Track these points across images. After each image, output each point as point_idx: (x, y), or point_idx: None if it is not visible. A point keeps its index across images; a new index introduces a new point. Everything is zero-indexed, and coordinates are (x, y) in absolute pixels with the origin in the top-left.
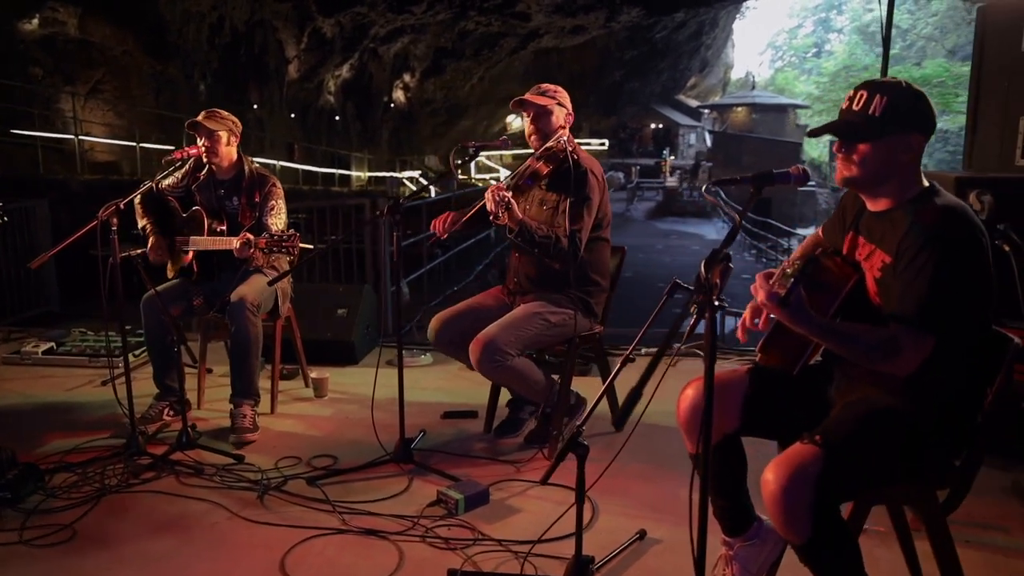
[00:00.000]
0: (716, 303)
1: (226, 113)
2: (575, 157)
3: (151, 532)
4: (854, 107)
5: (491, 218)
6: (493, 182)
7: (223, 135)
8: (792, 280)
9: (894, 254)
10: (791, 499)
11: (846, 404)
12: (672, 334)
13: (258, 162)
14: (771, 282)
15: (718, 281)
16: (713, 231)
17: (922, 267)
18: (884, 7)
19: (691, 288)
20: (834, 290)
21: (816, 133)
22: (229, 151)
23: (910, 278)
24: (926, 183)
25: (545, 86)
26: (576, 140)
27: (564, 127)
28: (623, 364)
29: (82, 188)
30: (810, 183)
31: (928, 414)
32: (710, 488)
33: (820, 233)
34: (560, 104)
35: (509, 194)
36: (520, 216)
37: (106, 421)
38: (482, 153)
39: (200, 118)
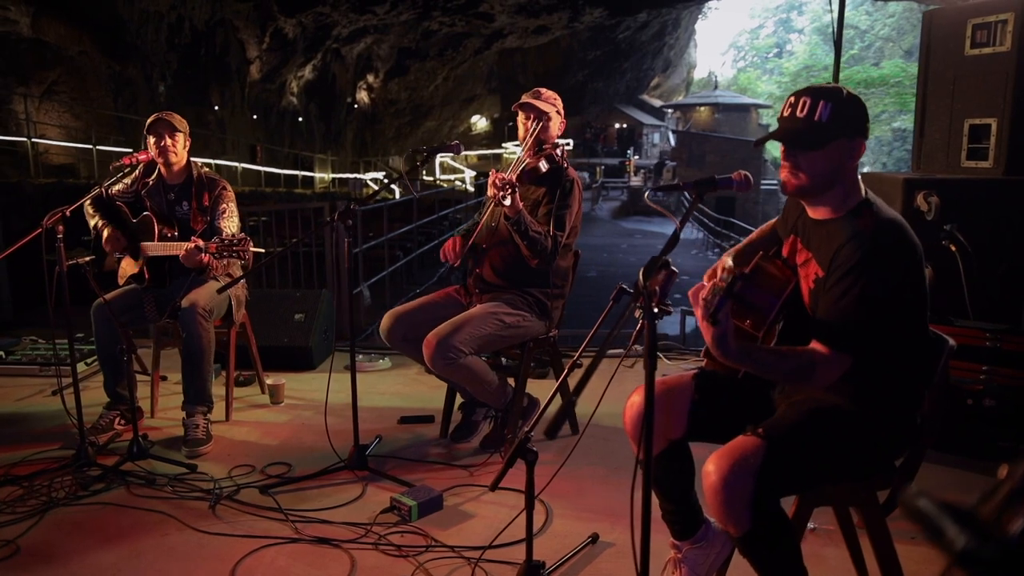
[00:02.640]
0: (656, 310)
1: (179, 116)
2: (565, 166)
3: (98, 545)
4: (798, 114)
5: (495, 202)
6: (459, 183)
7: (180, 137)
8: (719, 296)
9: (826, 268)
10: (731, 490)
11: (791, 403)
12: (608, 341)
13: (219, 164)
14: (703, 294)
15: (657, 289)
16: None
17: (849, 288)
18: (835, 12)
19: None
20: (776, 292)
21: (761, 142)
22: (184, 153)
23: (836, 296)
24: (863, 194)
25: (546, 93)
26: None
27: (558, 135)
28: (570, 369)
29: (36, 192)
30: (772, 182)
31: (871, 415)
32: (659, 492)
33: (774, 226)
34: (558, 112)
35: (514, 177)
36: (520, 206)
37: (55, 432)
38: (446, 155)
39: (163, 116)
